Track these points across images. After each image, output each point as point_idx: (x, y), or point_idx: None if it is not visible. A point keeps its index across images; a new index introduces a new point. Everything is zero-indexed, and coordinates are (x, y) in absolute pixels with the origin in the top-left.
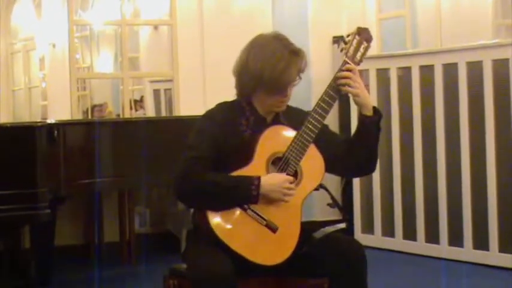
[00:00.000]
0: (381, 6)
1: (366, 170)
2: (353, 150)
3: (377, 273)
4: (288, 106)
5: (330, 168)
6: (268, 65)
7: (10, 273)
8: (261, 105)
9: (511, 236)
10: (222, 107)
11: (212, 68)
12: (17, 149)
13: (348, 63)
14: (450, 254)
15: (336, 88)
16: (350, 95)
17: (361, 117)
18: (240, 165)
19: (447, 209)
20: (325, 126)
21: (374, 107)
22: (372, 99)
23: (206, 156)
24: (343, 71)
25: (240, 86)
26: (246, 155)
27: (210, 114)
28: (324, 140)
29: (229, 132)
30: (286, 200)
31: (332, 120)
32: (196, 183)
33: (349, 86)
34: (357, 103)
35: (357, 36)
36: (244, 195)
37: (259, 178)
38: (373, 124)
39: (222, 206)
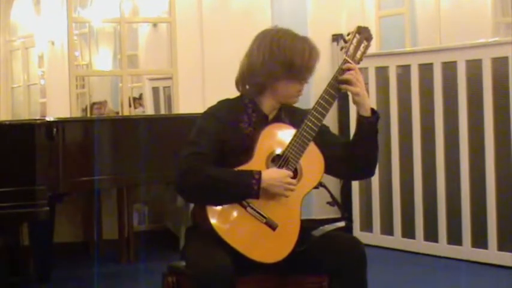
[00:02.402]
0: (380, 4)
1: (364, 174)
2: (351, 153)
3: (376, 271)
4: (288, 105)
5: (328, 169)
6: (297, 52)
7: (9, 270)
8: (278, 96)
9: (509, 234)
10: (224, 103)
11: (211, 66)
12: (16, 147)
13: (348, 62)
14: (449, 252)
15: (336, 86)
16: (350, 93)
17: (359, 118)
18: (240, 163)
19: (446, 207)
20: (326, 127)
21: (372, 109)
22: (370, 97)
23: (207, 152)
24: (344, 69)
25: (262, 77)
26: (246, 153)
27: (211, 110)
28: (323, 141)
29: (231, 129)
30: (287, 195)
31: (331, 120)
32: (197, 178)
33: (350, 84)
34: (355, 102)
35: (357, 35)
36: (246, 189)
37: (259, 172)
38: (370, 125)
39: (223, 201)
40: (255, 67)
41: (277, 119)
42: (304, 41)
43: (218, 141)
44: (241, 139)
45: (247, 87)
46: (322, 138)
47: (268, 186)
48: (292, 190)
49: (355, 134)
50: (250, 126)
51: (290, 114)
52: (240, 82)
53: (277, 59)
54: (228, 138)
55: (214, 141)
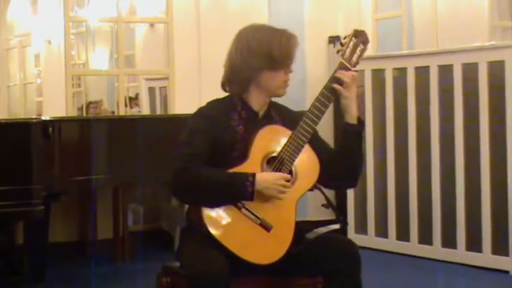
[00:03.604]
0: (377, 6)
1: (346, 183)
2: (335, 160)
3: (370, 273)
4: (278, 104)
5: None
6: (274, 42)
7: (4, 269)
8: (264, 89)
9: (504, 238)
10: (214, 103)
11: (208, 66)
12: (11, 145)
13: (344, 65)
14: (443, 256)
15: (332, 89)
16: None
17: (344, 126)
18: (235, 162)
19: (441, 210)
20: (315, 132)
21: (358, 117)
22: (366, 100)
23: (200, 153)
24: (340, 71)
25: (244, 72)
26: (240, 152)
27: (201, 111)
28: (312, 146)
29: (222, 127)
30: (281, 198)
31: (327, 123)
32: (191, 180)
33: (342, 85)
34: (342, 106)
35: (353, 39)
36: (240, 192)
37: (254, 175)
38: (355, 134)
39: (217, 203)
40: (236, 65)
41: (268, 115)
42: (280, 31)
43: (210, 140)
44: (233, 137)
45: (233, 87)
46: (310, 141)
47: (262, 189)
48: (285, 193)
49: (339, 142)
50: (241, 124)
51: (280, 112)
52: (226, 83)
53: (256, 52)
54: (219, 137)
55: (207, 140)
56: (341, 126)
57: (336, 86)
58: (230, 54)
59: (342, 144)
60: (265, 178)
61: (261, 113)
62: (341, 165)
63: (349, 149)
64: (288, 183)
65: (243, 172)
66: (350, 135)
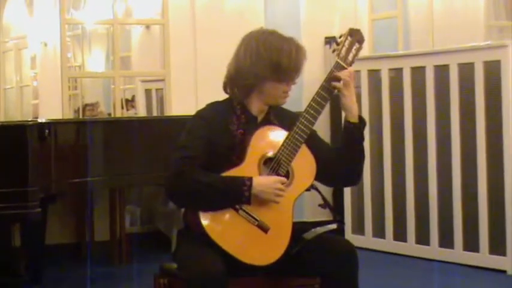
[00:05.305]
0: (373, 6)
1: (348, 181)
2: (336, 159)
3: (367, 274)
4: (277, 107)
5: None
6: (284, 53)
7: (0, 271)
8: (266, 98)
9: (501, 237)
10: (213, 106)
11: (204, 68)
12: (8, 148)
13: (340, 64)
14: (440, 256)
15: (327, 89)
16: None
17: (346, 124)
18: (232, 165)
19: (438, 210)
20: (314, 132)
21: (359, 116)
22: (363, 100)
23: (198, 156)
24: (335, 71)
25: (249, 78)
26: (237, 155)
27: (200, 113)
28: (311, 146)
29: (220, 131)
30: (277, 201)
31: (323, 123)
32: (188, 184)
33: (341, 82)
34: (343, 105)
35: (349, 37)
36: (237, 196)
37: (251, 179)
38: (356, 132)
39: (214, 207)
40: (243, 69)
41: (266, 120)
42: (291, 41)
43: (208, 144)
44: (231, 141)
45: (235, 89)
46: (310, 142)
47: (259, 193)
48: (282, 196)
49: (341, 141)
50: (239, 128)
51: (279, 116)
52: (228, 85)
53: (264, 60)
54: (217, 140)
55: (204, 144)
56: (343, 125)
57: (334, 84)
58: (237, 56)
59: (344, 143)
60: (262, 182)
61: (259, 118)
62: (343, 164)
63: (351, 147)
64: (283, 187)
65: (239, 176)
66: (352, 133)
